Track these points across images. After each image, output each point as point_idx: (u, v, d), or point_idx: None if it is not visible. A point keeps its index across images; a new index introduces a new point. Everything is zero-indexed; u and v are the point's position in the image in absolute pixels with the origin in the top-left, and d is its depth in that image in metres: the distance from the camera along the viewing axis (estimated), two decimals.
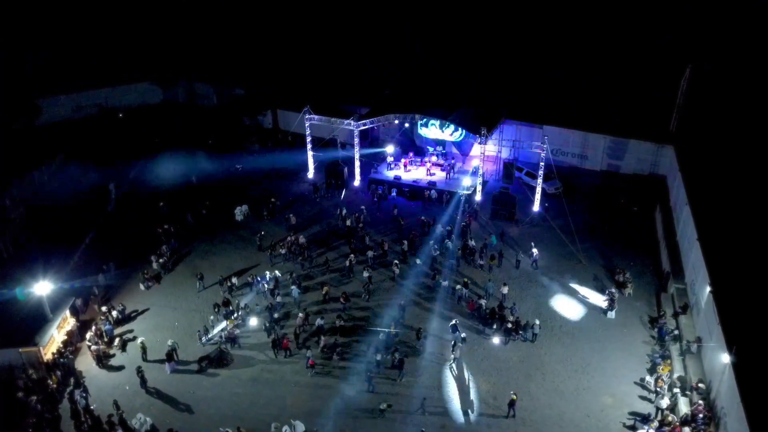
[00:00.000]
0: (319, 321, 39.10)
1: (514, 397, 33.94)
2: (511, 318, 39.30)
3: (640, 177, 55.19)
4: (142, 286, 43.84)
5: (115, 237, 48.93)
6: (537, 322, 39.18)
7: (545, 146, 48.84)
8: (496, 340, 38.57)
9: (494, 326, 39.53)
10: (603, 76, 60.08)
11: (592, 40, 60.94)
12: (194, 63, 70.70)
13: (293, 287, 41.63)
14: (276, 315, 39.84)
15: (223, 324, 39.39)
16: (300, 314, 39.50)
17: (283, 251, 46.33)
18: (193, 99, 71.50)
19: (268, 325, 39.20)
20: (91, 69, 69.32)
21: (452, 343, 37.65)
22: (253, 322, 39.82)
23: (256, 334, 39.77)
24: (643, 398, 35.04)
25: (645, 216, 51.02)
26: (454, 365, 37.25)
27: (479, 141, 50.53)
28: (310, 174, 57.21)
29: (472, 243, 47.11)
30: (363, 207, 51.14)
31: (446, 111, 53.53)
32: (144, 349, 37.74)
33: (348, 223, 49.54)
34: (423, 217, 50.37)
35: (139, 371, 35.88)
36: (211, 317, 40.06)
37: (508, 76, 58.74)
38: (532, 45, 61.64)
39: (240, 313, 40.22)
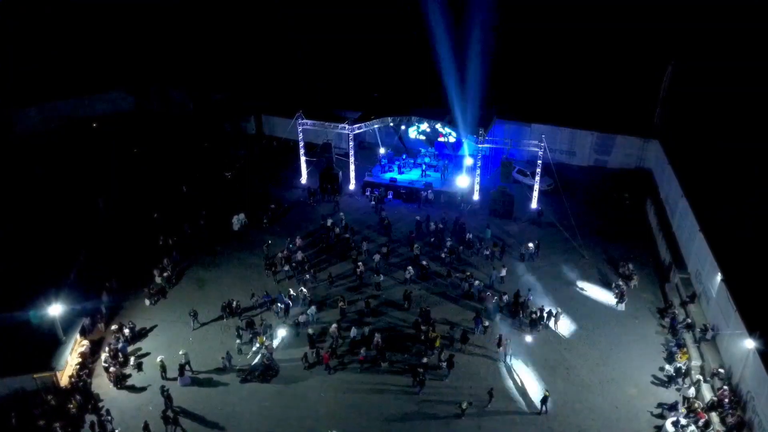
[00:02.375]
0: (354, 331, 38.73)
1: (547, 393, 34.46)
2: (534, 308, 40.39)
3: (627, 171, 56.80)
4: (147, 302, 42.44)
5: (111, 252, 47.12)
6: (559, 309, 40.47)
7: (543, 144, 49.66)
8: (529, 338, 39.09)
9: (521, 316, 40.67)
10: (587, 74, 61.55)
11: (575, 38, 62.30)
12: (168, 69, 68.86)
13: (312, 307, 40.90)
14: (311, 331, 38.83)
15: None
16: (333, 325, 38.89)
17: (285, 268, 45.07)
18: (168, 106, 69.53)
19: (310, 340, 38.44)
20: (56, 78, 66.80)
21: (497, 337, 38.37)
22: (282, 333, 39.00)
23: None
24: (666, 387, 36.09)
25: (637, 209, 52.59)
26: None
27: (478, 141, 50.94)
28: (303, 179, 56.54)
29: (469, 236, 48.09)
30: (341, 214, 50.47)
31: (439, 112, 53.81)
32: (164, 367, 36.52)
33: (337, 230, 49.03)
34: (417, 217, 50.68)
35: (164, 391, 34.67)
36: (237, 341, 38.64)
37: (495, 75, 59.29)
38: (517, 45, 62.48)
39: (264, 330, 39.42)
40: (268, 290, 42.77)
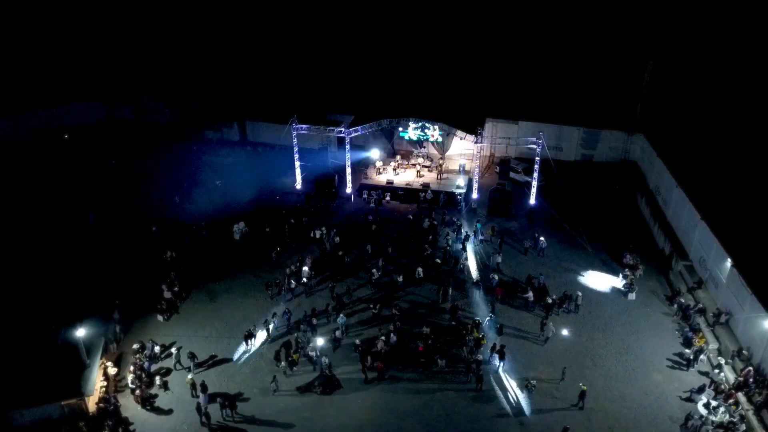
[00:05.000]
0: (393, 338, 38.51)
1: (584, 387, 34.94)
2: (554, 297, 41.72)
3: (612, 164, 58.56)
4: (160, 318, 41.00)
5: (111, 268, 45.17)
6: (579, 293, 41.56)
7: (540, 141, 50.61)
8: (565, 331, 39.79)
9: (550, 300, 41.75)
10: (570, 71, 63.10)
11: (561, 37, 63.70)
12: (141, 76, 66.70)
13: (341, 315, 40.32)
14: (357, 341, 38.32)
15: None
16: (382, 338, 38.37)
17: (293, 285, 43.52)
18: (142, 115, 67.27)
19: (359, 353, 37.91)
20: (23, 89, 63.77)
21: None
22: (320, 342, 38.31)
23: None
24: (687, 370, 37.45)
25: (628, 200, 54.29)
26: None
27: (476, 140, 51.52)
28: (298, 185, 55.75)
29: (465, 231, 49.13)
30: (323, 228, 49.26)
31: (433, 112, 54.08)
32: (194, 385, 35.32)
33: (337, 240, 48.25)
34: (410, 216, 50.97)
35: (200, 409, 33.58)
36: (283, 364, 37.31)
37: (482, 75, 60.23)
38: (504, 44, 63.51)
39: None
40: (287, 308, 41.66)
